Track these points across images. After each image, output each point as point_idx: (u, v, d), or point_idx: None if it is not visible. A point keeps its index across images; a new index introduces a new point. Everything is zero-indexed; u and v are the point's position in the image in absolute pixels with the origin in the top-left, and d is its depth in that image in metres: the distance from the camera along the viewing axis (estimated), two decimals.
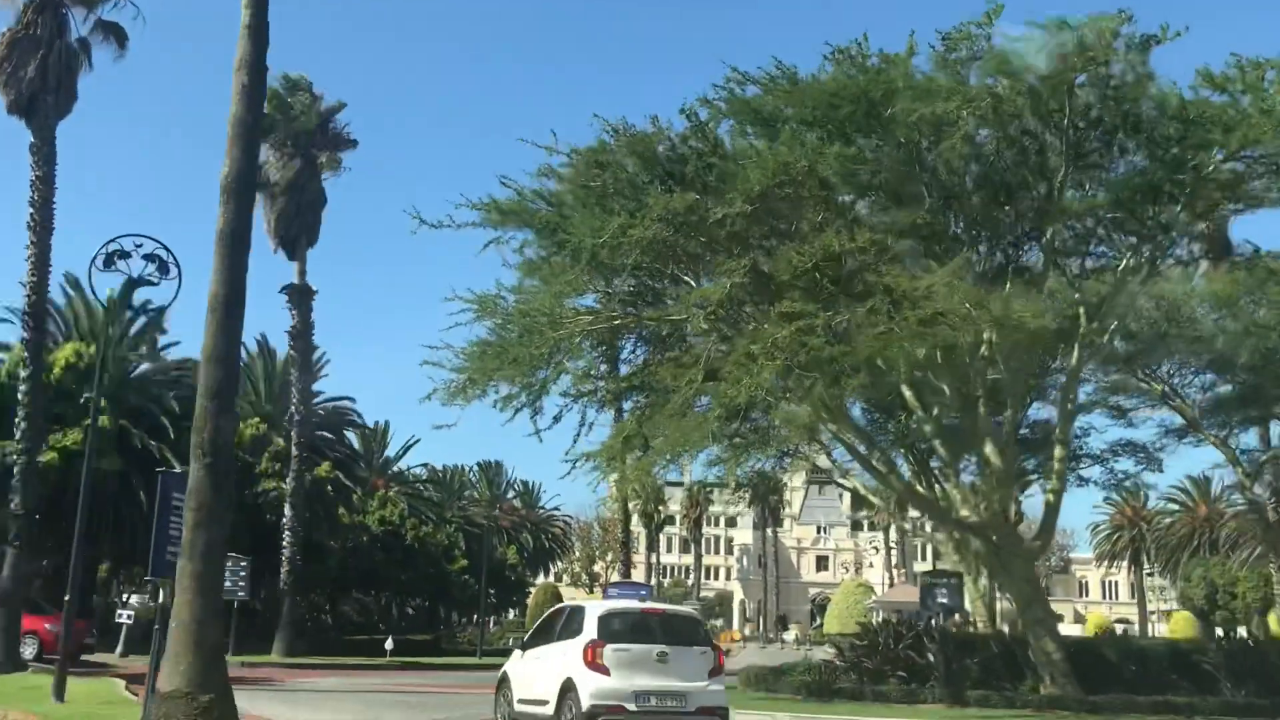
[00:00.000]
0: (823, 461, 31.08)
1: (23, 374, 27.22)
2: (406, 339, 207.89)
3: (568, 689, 13.53)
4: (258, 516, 43.08)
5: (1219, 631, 40.41)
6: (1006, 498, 19.47)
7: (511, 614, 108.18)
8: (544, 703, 14.22)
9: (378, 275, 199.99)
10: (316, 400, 54.01)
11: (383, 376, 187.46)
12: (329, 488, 48.66)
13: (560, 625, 14.94)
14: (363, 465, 68.48)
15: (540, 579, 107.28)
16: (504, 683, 16.14)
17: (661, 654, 13.62)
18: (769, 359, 15.07)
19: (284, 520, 38.75)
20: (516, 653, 16.33)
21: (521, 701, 15.21)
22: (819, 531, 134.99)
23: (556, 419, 23.24)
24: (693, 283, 18.32)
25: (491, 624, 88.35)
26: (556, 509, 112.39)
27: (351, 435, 66.82)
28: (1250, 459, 27.09)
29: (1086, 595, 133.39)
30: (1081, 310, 19.45)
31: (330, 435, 54.75)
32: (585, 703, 13.11)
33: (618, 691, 13.18)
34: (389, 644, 38.21)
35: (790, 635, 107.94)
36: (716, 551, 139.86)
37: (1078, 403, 27.23)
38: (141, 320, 39.72)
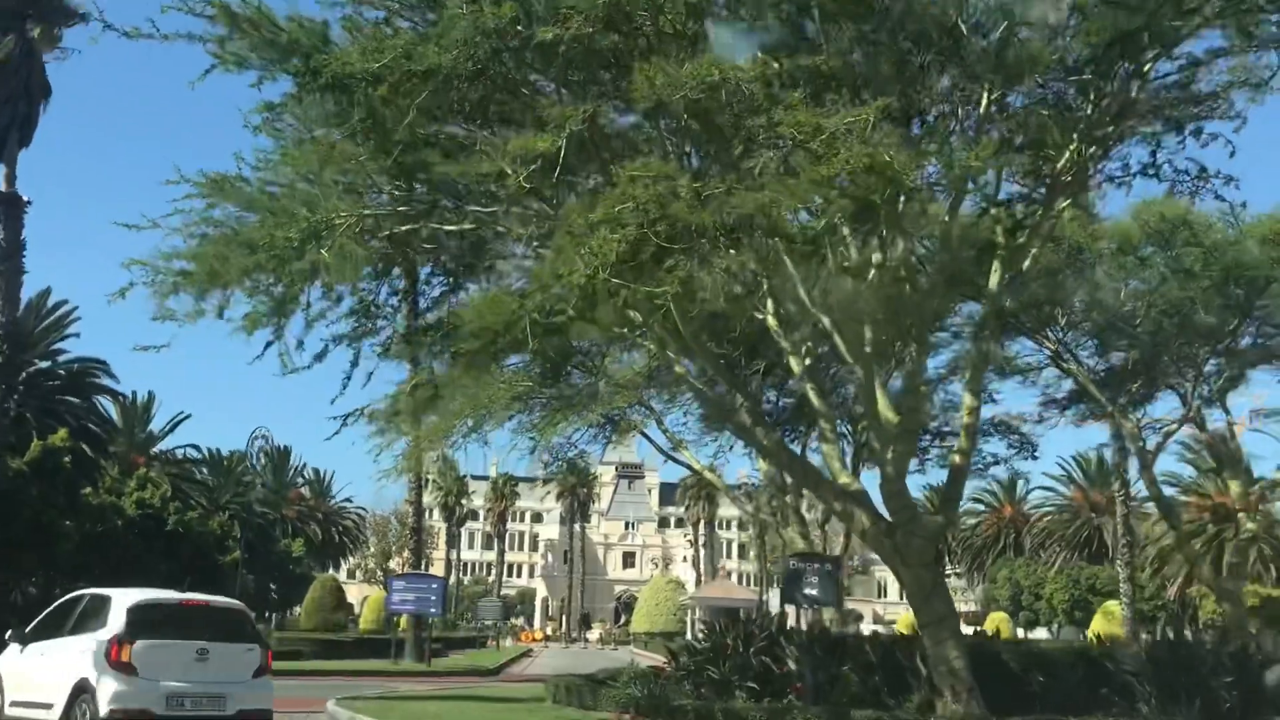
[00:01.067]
0: (654, 431, 26.27)
1: None
2: None
3: (82, 690, 12.06)
4: None
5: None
6: (904, 460, 14.94)
7: (296, 610, 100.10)
8: (47, 706, 12.61)
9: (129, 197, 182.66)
10: (60, 358, 46.20)
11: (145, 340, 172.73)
12: (66, 460, 41.02)
13: (77, 616, 13.30)
14: (119, 439, 60.40)
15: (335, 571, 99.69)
16: None
17: (201, 651, 12.49)
18: (614, 229, 10.07)
19: None
20: (13, 648, 14.09)
21: (15, 705, 13.49)
22: (627, 527, 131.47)
23: (320, 356, 17.87)
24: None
25: (275, 622, 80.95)
26: (349, 500, 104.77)
27: (109, 406, 58.67)
28: (1158, 430, 23.65)
29: (886, 596, 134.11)
30: (999, 226, 15.17)
31: (75, 400, 46.86)
32: (103, 707, 11.75)
33: (145, 694, 11.94)
34: None
35: (594, 634, 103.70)
36: (521, 548, 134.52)
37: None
38: None
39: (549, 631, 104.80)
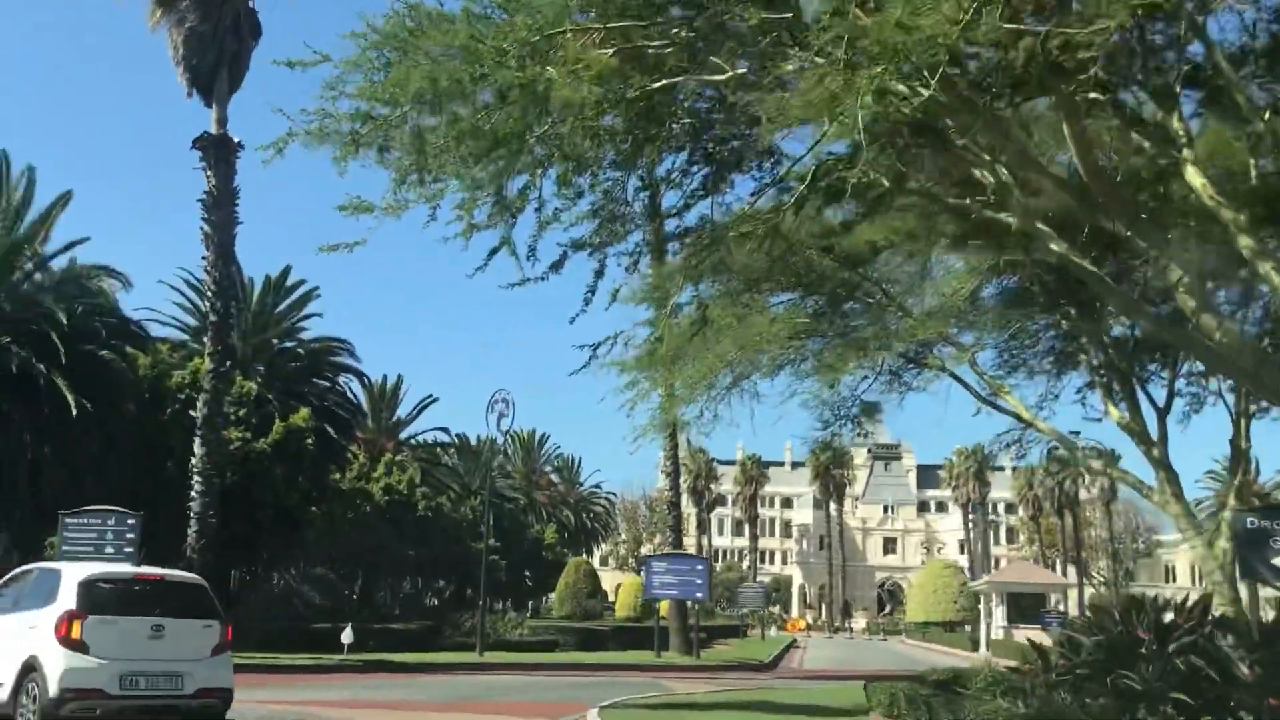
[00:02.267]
0: (967, 373, 20.81)
1: None
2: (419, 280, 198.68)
3: (30, 669, 11.53)
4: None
5: None
6: None
7: (549, 599, 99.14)
8: None
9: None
10: (301, 335, 44.68)
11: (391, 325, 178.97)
12: (309, 441, 38.99)
13: (26, 591, 12.81)
14: (366, 426, 59.36)
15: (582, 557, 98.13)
16: None
17: (157, 627, 11.96)
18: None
19: (192, 462, 27.98)
20: None
21: None
22: (885, 511, 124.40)
23: (557, 266, 13.98)
24: None
25: (531, 609, 79.58)
26: (598, 486, 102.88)
27: (355, 389, 57.67)
28: None
29: (1174, 581, 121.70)
30: None
31: (318, 382, 45.26)
32: (53, 687, 11.19)
33: (98, 672, 11.37)
34: (346, 635, 28.26)
35: (859, 623, 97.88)
36: (772, 534, 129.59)
37: None
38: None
39: (809, 620, 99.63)
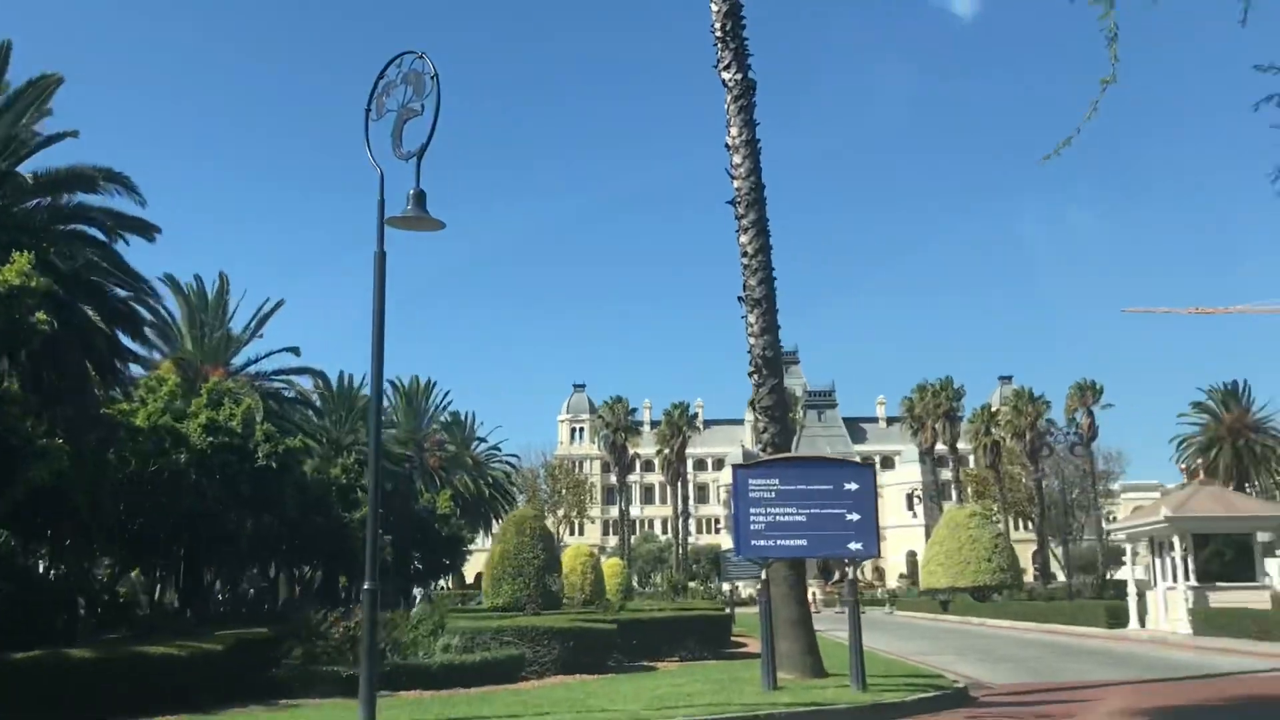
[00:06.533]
0: None
1: None
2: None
3: None
4: None
5: None
6: None
7: (443, 583, 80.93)
8: None
9: None
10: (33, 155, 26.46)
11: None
12: (39, 319, 21.17)
13: None
14: (184, 345, 40.86)
15: (484, 535, 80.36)
16: None
17: None
18: None
19: None
20: None
21: None
22: None
23: None
24: None
25: (418, 597, 62.03)
26: (497, 448, 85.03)
27: (171, 302, 39.18)
28: None
29: None
30: None
31: (72, 232, 27.19)
32: None
33: None
34: None
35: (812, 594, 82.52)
36: (704, 500, 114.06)
37: None
38: None
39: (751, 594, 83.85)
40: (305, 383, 54.56)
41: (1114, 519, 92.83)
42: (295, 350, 46.22)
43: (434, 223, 11.02)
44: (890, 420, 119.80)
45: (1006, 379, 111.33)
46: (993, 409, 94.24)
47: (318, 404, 56.95)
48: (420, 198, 10.93)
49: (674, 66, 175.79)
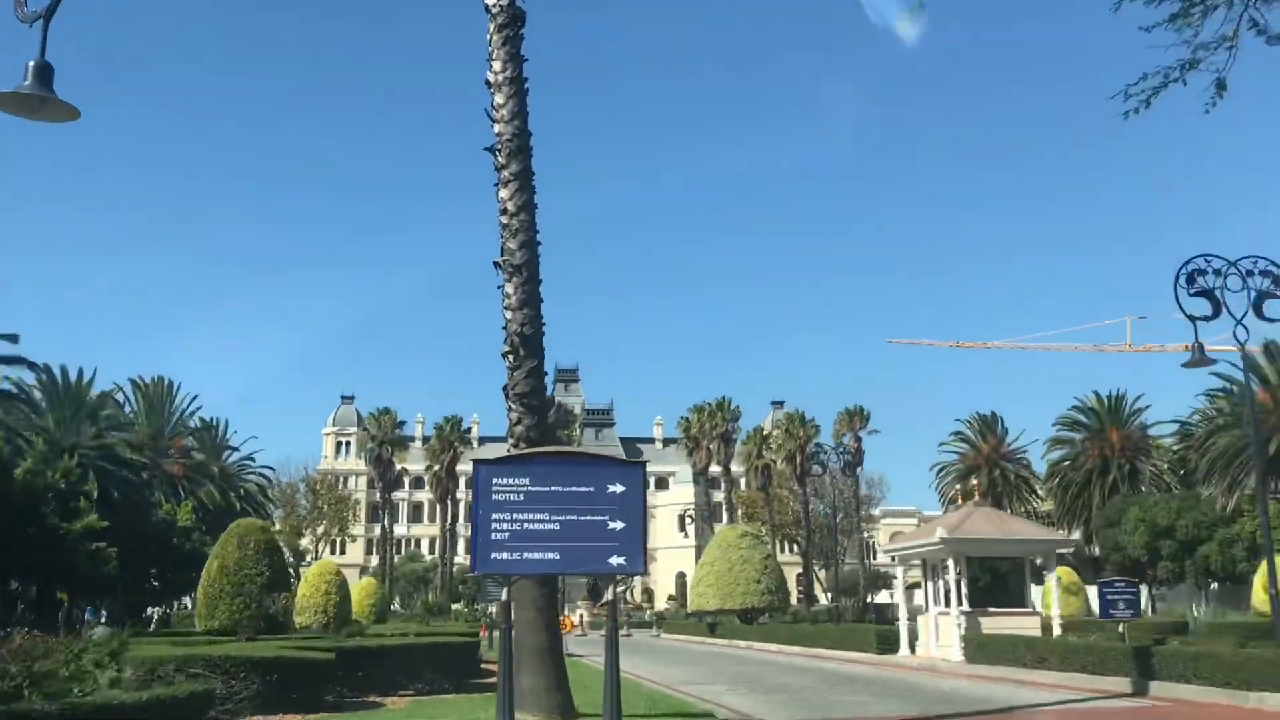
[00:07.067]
0: None
1: None
2: None
3: None
4: None
5: None
6: None
7: (186, 602, 74.48)
8: None
9: None
10: None
11: None
12: None
13: None
14: None
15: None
16: None
17: None
18: None
19: None
20: None
21: None
22: None
23: None
24: None
25: (158, 619, 56.54)
26: (251, 458, 79.27)
27: None
28: None
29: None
30: None
31: None
32: None
33: None
34: None
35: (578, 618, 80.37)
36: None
37: None
38: None
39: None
40: (29, 377, 49.37)
41: (875, 543, 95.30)
42: (13, 338, 41.66)
43: (64, 108, 8.01)
44: (667, 441, 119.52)
45: (779, 404, 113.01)
46: (765, 432, 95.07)
47: (40, 400, 51.12)
48: (43, 71, 7.91)
49: None
